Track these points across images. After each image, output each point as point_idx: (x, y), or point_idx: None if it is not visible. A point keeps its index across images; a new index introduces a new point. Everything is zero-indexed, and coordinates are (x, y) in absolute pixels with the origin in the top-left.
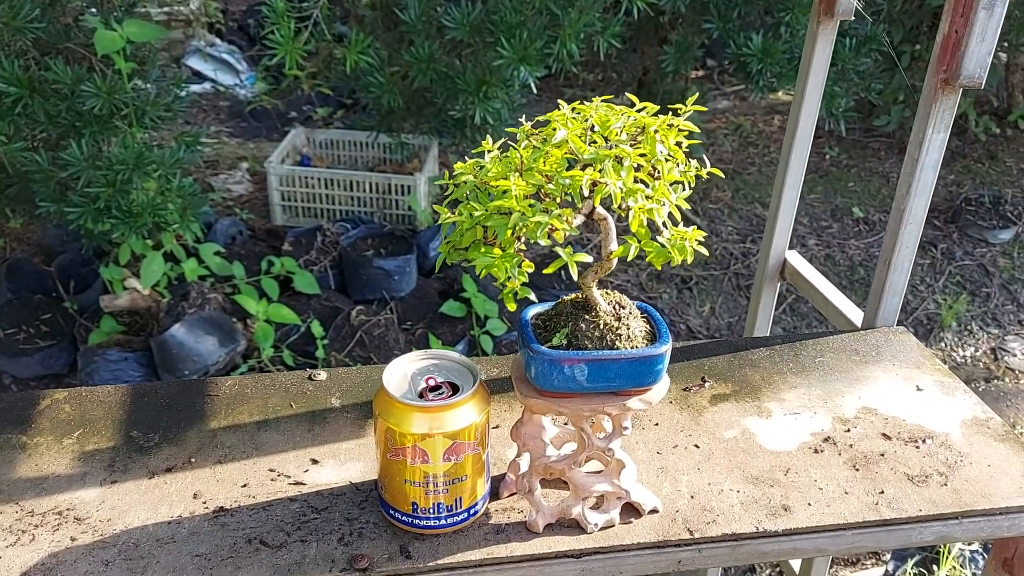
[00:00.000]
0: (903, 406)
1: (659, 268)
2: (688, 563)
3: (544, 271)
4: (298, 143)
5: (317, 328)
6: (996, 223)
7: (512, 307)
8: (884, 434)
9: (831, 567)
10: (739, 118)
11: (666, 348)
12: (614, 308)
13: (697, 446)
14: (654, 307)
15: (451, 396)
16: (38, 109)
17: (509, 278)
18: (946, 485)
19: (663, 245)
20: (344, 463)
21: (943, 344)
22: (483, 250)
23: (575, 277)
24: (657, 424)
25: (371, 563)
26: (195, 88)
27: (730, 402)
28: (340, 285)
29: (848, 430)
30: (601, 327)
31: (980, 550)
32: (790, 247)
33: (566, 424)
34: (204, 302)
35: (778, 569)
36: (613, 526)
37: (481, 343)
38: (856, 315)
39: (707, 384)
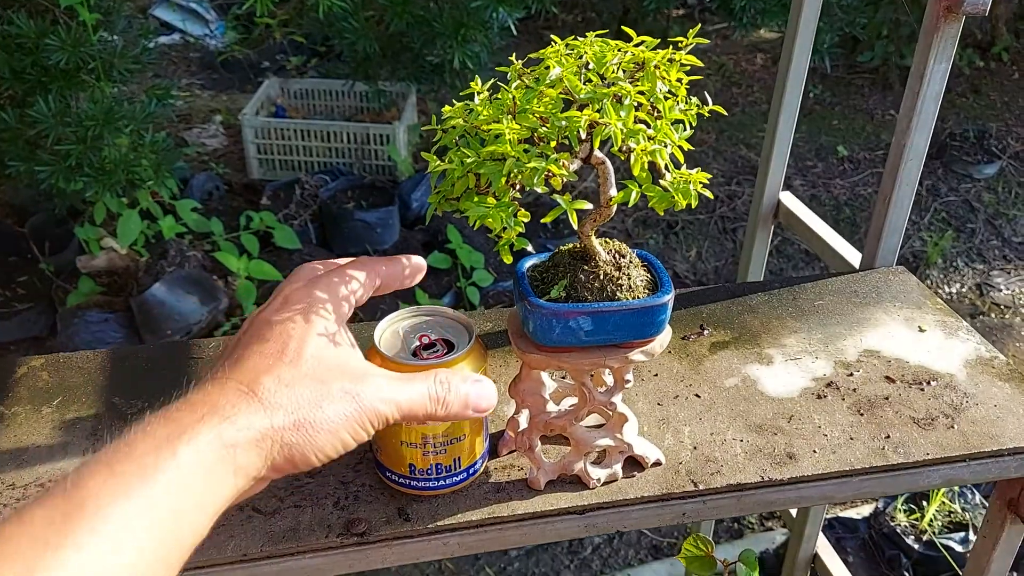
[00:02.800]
0: (906, 348)
1: (661, 213)
2: (693, 515)
3: (542, 220)
4: (272, 94)
5: None
6: (981, 158)
7: (508, 259)
8: (888, 377)
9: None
10: (721, 58)
11: (669, 298)
12: (614, 257)
13: (698, 395)
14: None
15: (447, 354)
16: (2, 65)
17: (505, 228)
18: (953, 427)
19: (666, 189)
20: None
21: (929, 281)
22: (476, 199)
23: (575, 226)
24: (656, 375)
25: (368, 527)
26: (164, 39)
27: (730, 349)
28: (321, 239)
29: (851, 374)
30: (601, 278)
31: (970, 485)
32: None
33: (564, 378)
34: (183, 260)
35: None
36: (616, 480)
37: (468, 294)
38: (853, 256)
39: (706, 332)
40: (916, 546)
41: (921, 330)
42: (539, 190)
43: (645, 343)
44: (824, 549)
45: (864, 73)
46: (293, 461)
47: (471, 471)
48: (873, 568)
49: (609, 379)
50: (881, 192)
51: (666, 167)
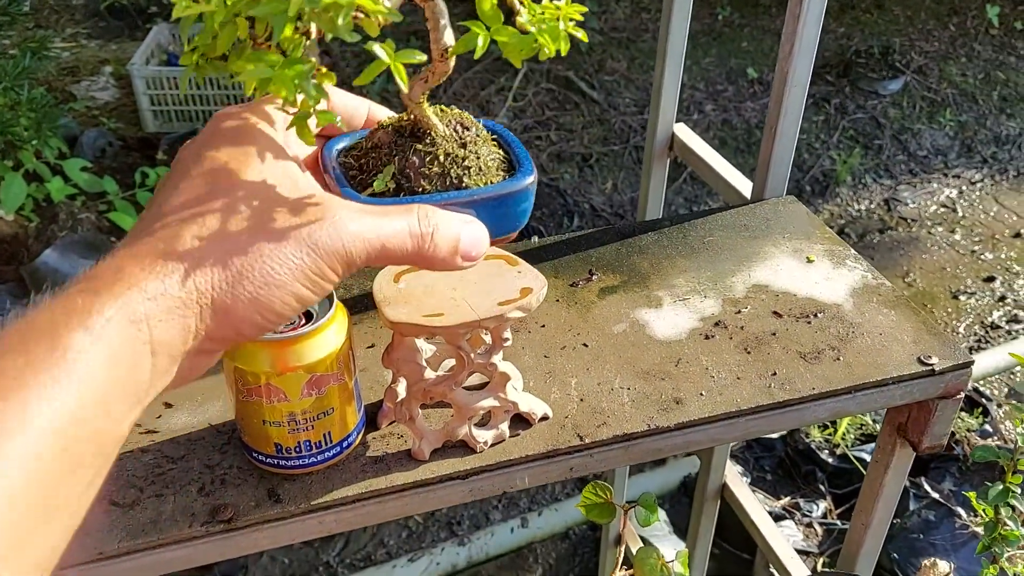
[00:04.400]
0: (793, 280)
1: (519, 65)
2: (580, 469)
3: (355, 82)
4: (163, 40)
5: None
6: (886, 74)
7: (310, 141)
8: (775, 312)
9: None
10: None
11: (531, 179)
12: (455, 131)
13: (586, 344)
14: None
15: (304, 325)
16: None
17: (300, 97)
18: (839, 360)
19: (524, 31)
20: (202, 404)
21: (839, 200)
22: (251, 55)
23: (403, 87)
24: (543, 325)
25: (236, 512)
26: None
27: (619, 294)
28: None
29: (739, 311)
30: (441, 159)
31: None
32: (687, 114)
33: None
34: (75, 224)
35: None
36: (504, 440)
37: None
38: (746, 186)
39: (595, 277)
40: (830, 460)
41: (809, 260)
42: (346, 38)
43: (506, 239)
44: (732, 478)
45: None
46: (235, 327)
47: (345, 444)
48: (791, 485)
49: (487, 338)
50: (768, 122)
51: (521, 2)
